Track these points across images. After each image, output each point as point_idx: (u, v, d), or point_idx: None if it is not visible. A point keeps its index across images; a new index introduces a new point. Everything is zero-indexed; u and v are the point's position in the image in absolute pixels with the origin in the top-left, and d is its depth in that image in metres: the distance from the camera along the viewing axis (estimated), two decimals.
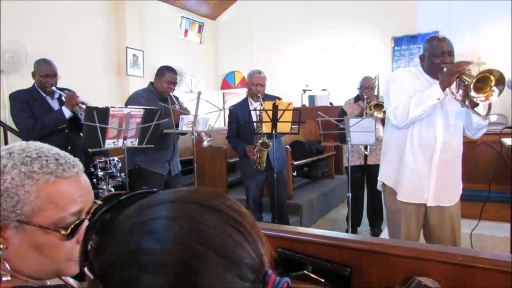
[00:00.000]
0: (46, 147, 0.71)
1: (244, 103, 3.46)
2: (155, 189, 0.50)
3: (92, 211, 0.73)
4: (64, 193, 0.67)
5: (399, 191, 2.19)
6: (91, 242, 0.45)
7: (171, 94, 3.15)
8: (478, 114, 1.96)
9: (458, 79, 1.94)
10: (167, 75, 3.13)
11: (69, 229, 0.67)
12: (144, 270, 0.38)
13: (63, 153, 0.72)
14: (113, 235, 0.43)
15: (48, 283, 0.74)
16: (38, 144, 0.72)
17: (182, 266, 0.39)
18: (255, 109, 3.29)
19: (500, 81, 1.83)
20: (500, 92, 1.84)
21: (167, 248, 0.40)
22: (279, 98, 3.38)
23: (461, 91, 1.97)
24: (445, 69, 2.02)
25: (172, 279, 0.38)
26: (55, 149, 0.72)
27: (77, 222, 0.69)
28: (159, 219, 0.42)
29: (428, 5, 7.16)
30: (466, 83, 1.88)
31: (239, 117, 3.40)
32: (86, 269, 0.42)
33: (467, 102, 1.95)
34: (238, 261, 0.41)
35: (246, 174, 3.52)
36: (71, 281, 0.84)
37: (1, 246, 0.64)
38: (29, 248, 0.66)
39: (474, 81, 1.83)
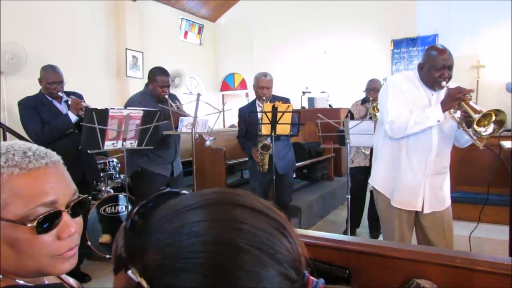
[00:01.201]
0: (20, 143, 0.69)
1: (251, 105, 3.49)
2: (178, 190, 0.51)
3: (72, 205, 0.70)
4: (29, 184, 0.65)
5: (394, 199, 2.21)
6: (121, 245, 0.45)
7: (166, 96, 3.11)
8: (473, 139, 1.98)
9: (458, 105, 1.96)
10: (158, 80, 3.09)
11: (36, 221, 0.64)
12: (189, 271, 0.39)
13: (35, 146, 0.69)
14: (154, 238, 0.43)
15: (47, 282, 0.74)
16: (15, 141, 0.70)
17: (227, 265, 0.39)
18: (260, 111, 3.29)
19: (500, 122, 1.87)
20: (494, 130, 1.87)
21: (210, 249, 0.40)
22: (287, 100, 3.40)
23: (459, 113, 1.99)
24: (443, 83, 2.03)
25: (219, 278, 0.39)
26: (28, 144, 0.69)
27: (49, 213, 0.65)
28: (199, 222, 0.42)
29: (427, 8, 7.18)
30: (470, 116, 1.89)
31: (246, 118, 3.43)
32: (130, 272, 0.42)
33: (463, 124, 1.98)
34: (282, 259, 0.42)
35: (252, 175, 3.58)
36: (71, 280, 0.83)
37: None
38: (5, 246, 0.64)
39: (480, 116, 1.86)
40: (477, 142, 1.98)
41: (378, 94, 2.56)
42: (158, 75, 3.10)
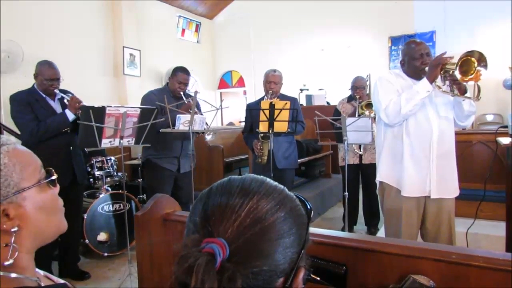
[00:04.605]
0: None
1: (260, 101, 3.49)
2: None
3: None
4: (25, 152, 0.71)
5: (403, 187, 2.20)
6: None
7: (181, 93, 3.24)
8: (469, 97, 2.04)
9: (442, 71, 2.02)
10: (178, 75, 3.25)
11: (48, 174, 0.72)
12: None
13: None
14: None
15: (43, 284, 0.74)
16: None
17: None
18: (258, 109, 3.29)
19: (481, 59, 1.91)
20: (485, 67, 1.91)
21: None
22: (295, 100, 3.45)
23: (447, 82, 2.06)
24: (426, 68, 2.10)
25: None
26: None
27: (48, 169, 0.74)
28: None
29: (424, 4, 7.18)
30: (451, 71, 1.96)
31: (252, 113, 3.44)
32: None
33: (456, 91, 2.03)
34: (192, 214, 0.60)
35: (254, 171, 3.58)
36: (61, 281, 0.84)
37: (15, 228, 0.66)
38: (38, 213, 0.69)
39: (457, 66, 1.92)
40: (474, 98, 2.03)
41: (371, 95, 2.60)
42: (179, 71, 3.27)
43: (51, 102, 2.94)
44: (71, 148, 2.94)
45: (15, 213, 0.66)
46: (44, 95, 2.91)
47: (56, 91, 2.89)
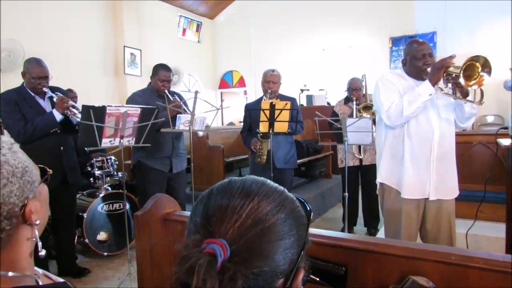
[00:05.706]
0: None
1: (258, 101, 3.48)
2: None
3: None
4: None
5: (403, 189, 2.20)
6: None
7: (166, 91, 3.16)
8: (471, 101, 2.03)
9: (445, 74, 2.00)
10: (159, 74, 3.17)
11: (48, 171, 0.75)
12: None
13: None
14: None
15: (41, 283, 0.74)
16: None
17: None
18: (258, 109, 3.29)
19: (486, 65, 1.89)
20: (489, 73, 1.89)
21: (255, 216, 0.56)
22: (294, 100, 3.44)
23: (450, 85, 2.05)
24: (428, 69, 2.09)
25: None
26: None
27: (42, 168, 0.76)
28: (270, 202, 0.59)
29: (425, 5, 7.18)
30: (454, 75, 1.94)
31: (251, 114, 3.43)
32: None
33: (458, 94, 2.02)
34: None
35: (253, 170, 3.58)
36: (60, 279, 0.84)
37: (37, 221, 0.68)
38: (43, 206, 0.72)
39: (462, 71, 1.89)
40: (477, 102, 2.01)
41: (371, 95, 2.59)
42: (160, 69, 3.18)
43: (40, 100, 2.87)
44: (62, 148, 2.89)
45: (34, 208, 0.68)
46: (32, 94, 2.83)
47: (45, 89, 2.81)
